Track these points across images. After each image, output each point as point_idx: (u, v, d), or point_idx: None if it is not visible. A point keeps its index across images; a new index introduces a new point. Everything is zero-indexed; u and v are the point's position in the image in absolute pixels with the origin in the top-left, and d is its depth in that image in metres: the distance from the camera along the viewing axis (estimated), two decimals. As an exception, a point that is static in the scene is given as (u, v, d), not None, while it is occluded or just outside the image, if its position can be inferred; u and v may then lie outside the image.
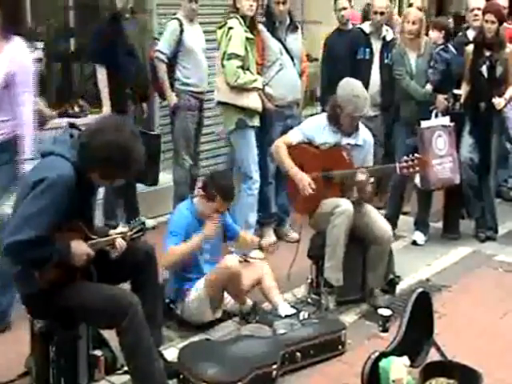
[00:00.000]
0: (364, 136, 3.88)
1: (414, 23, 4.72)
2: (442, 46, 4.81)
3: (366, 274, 3.80)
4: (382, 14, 5.00)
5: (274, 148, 3.95)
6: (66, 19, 5.62)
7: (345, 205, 3.65)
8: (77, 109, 5.20)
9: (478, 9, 5.00)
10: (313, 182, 3.74)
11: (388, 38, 5.09)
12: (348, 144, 3.81)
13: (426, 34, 4.91)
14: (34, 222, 2.43)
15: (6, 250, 2.47)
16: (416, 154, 3.84)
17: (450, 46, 4.89)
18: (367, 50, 5.01)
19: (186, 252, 3.41)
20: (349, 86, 3.77)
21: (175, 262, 3.42)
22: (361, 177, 3.67)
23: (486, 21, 4.67)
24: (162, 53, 4.80)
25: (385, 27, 5.14)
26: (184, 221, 3.49)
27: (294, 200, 4.07)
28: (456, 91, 4.81)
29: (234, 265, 3.39)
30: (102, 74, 4.63)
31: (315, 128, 3.85)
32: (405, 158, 3.78)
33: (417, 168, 3.76)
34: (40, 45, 5.52)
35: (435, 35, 4.86)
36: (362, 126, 3.89)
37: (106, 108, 4.67)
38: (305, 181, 3.74)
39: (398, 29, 5.12)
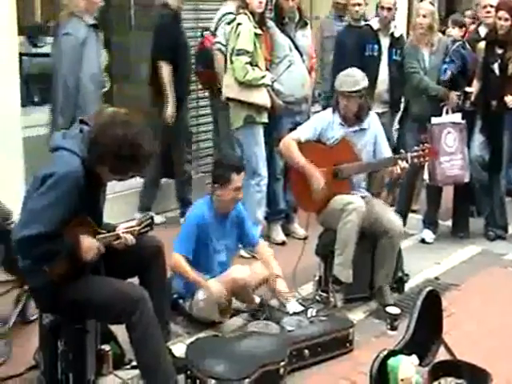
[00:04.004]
0: (371, 119, 3.89)
1: (424, 17, 4.70)
2: (460, 43, 4.76)
3: (374, 270, 3.77)
4: (389, 9, 4.96)
5: (283, 144, 3.93)
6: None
7: (356, 202, 3.63)
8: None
9: (491, 6, 4.93)
10: (324, 182, 3.73)
11: (396, 35, 5.06)
12: (354, 131, 3.81)
13: (442, 32, 4.87)
14: (43, 217, 2.43)
15: (15, 246, 2.48)
16: (426, 144, 3.83)
17: (467, 44, 4.84)
18: (375, 46, 4.97)
19: (186, 277, 3.39)
20: (346, 70, 3.87)
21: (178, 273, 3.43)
22: (403, 164, 3.63)
23: (499, 18, 4.62)
24: (221, 44, 4.70)
25: (393, 23, 5.11)
26: (195, 220, 3.46)
27: (300, 198, 4.05)
28: (467, 89, 4.78)
29: (241, 277, 3.37)
30: (166, 71, 4.64)
31: (323, 123, 3.84)
32: (415, 147, 3.78)
33: (427, 158, 3.75)
34: (50, 40, 5.53)
35: (455, 32, 4.80)
36: (372, 113, 3.90)
37: (171, 106, 4.66)
38: (320, 180, 3.73)
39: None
